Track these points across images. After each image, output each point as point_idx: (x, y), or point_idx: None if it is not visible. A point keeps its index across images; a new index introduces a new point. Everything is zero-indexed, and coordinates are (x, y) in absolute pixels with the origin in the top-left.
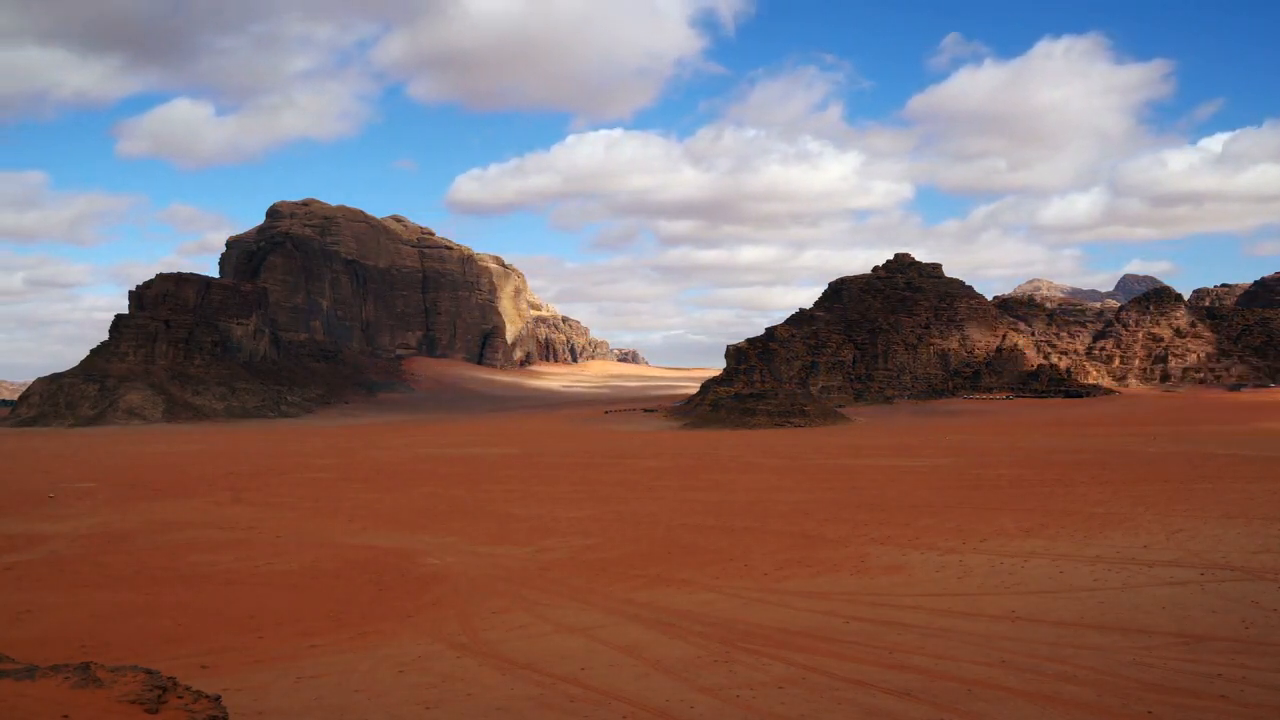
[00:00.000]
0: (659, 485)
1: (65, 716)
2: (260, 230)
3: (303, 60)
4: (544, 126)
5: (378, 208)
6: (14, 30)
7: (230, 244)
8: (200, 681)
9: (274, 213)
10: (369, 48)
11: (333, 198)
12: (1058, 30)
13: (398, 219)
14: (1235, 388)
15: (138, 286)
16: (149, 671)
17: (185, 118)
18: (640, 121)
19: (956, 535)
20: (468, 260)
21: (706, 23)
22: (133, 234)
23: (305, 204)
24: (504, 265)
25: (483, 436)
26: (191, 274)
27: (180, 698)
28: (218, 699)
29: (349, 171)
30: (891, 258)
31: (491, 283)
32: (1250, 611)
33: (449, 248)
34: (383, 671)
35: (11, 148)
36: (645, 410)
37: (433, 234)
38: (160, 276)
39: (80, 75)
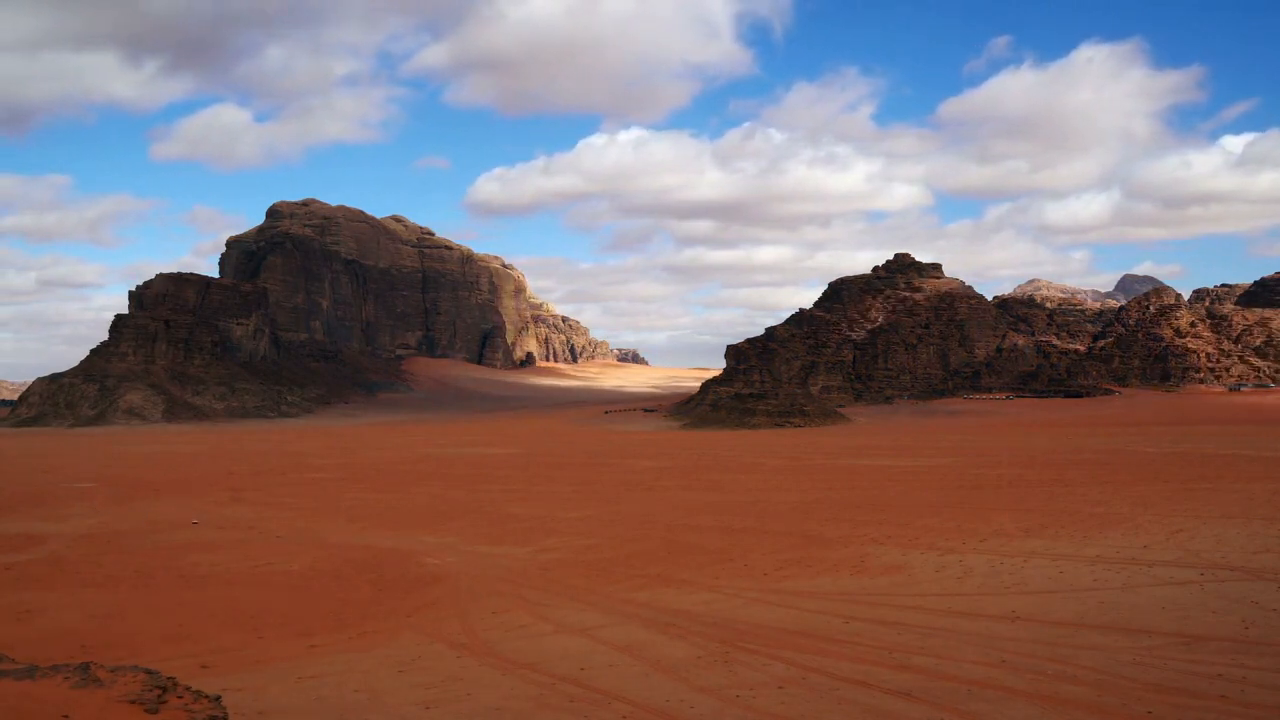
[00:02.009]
0: (659, 485)
1: (65, 716)
2: (260, 230)
3: (343, 65)
4: (578, 128)
5: (410, 212)
6: (56, 35)
7: (230, 244)
8: (200, 681)
9: (274, 213)
10: (409, 53)
11: (364, 201)
12: (1106, 35)
13: (398, 219)
14: (1235, 388)
15: (138, 286)
16: (149, 671)
17: (223, 122)
18: (672, 123)
19: (956, 535)
20: (468, 260)
21: (751, 27)
22: (152, 235)
23: (305, 204)
24: (504, 265)
25: (483, 437)
26: (191, 274)
27: (180, 698)
28: (218, 699)
29: (381, 174)
30: (891, 258)
31: (491, 283)
32: (1250, 611)
33: (449, 248)
34: (383, 671)
35: (43, 150)
36: (645, 410)
37: (433, 234)
38: (160, 276)
39: (120, 80)
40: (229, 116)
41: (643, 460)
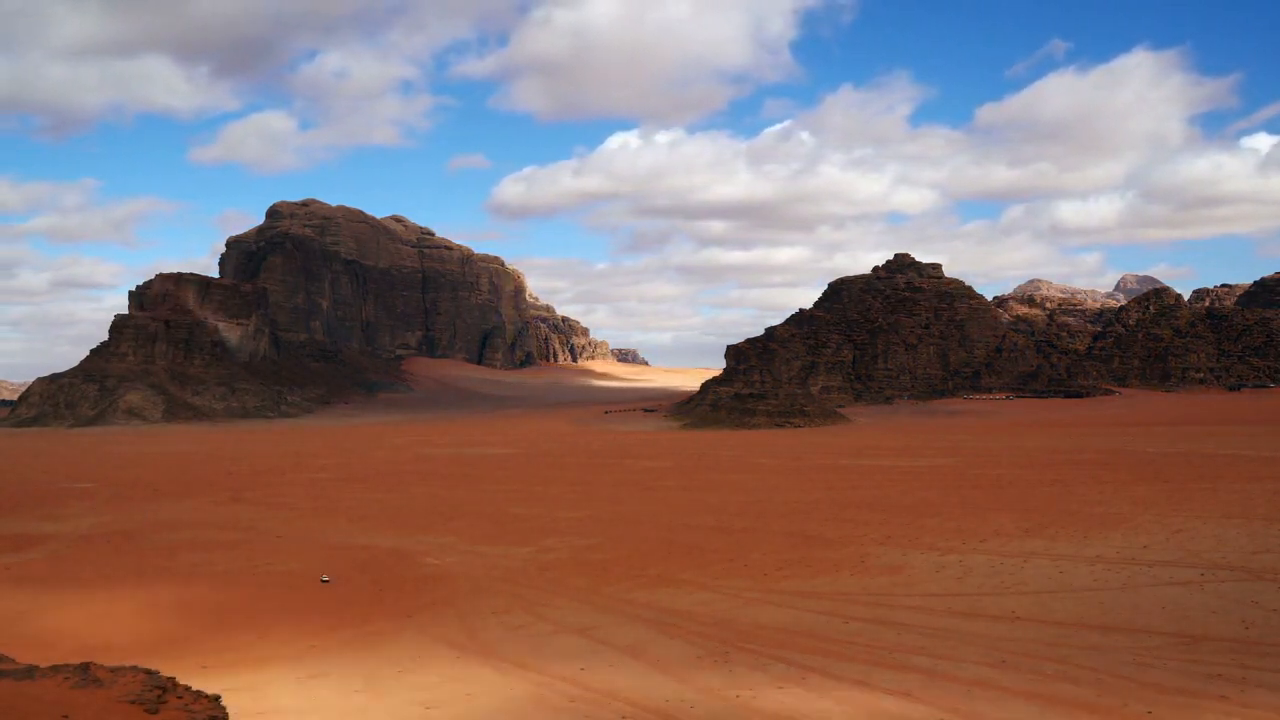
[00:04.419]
0: (659, 485)
1: (65, 716)
2: (260, 230)
3: (392, 71)
4: (620, 131)
5: (445, 215)
6: (106, 41)
7: (230, 244)
8: (200, 681)
9: (274, 213)
10: (459, 59)
11: (398, 204)
12: (1157, 41)
13: (398, 219)
14: (1235, 388)
15: (138, 286)
16: (149, 671)
17: (267, 128)
18: (710, 125)
19: (956, 535)
20: (467, 260)
21: (807, 31)
22: (175, 237)
23: (305, 204)
24: (504, 265)
25: (483, 437)
26: (191, 274)
27: (180, 698)
28: (218, 699)
29: (420, 178)
30: (891, 258)
31: (491, 283)
32: (1250, 611)
33: (449, 248)
34: (383, 671)
35: (79, 155)
36: (645, 410)
37: (433, 234)
38: (160, 276)
39: (172, 87)
40: (274, 123)
41: (643, 460)
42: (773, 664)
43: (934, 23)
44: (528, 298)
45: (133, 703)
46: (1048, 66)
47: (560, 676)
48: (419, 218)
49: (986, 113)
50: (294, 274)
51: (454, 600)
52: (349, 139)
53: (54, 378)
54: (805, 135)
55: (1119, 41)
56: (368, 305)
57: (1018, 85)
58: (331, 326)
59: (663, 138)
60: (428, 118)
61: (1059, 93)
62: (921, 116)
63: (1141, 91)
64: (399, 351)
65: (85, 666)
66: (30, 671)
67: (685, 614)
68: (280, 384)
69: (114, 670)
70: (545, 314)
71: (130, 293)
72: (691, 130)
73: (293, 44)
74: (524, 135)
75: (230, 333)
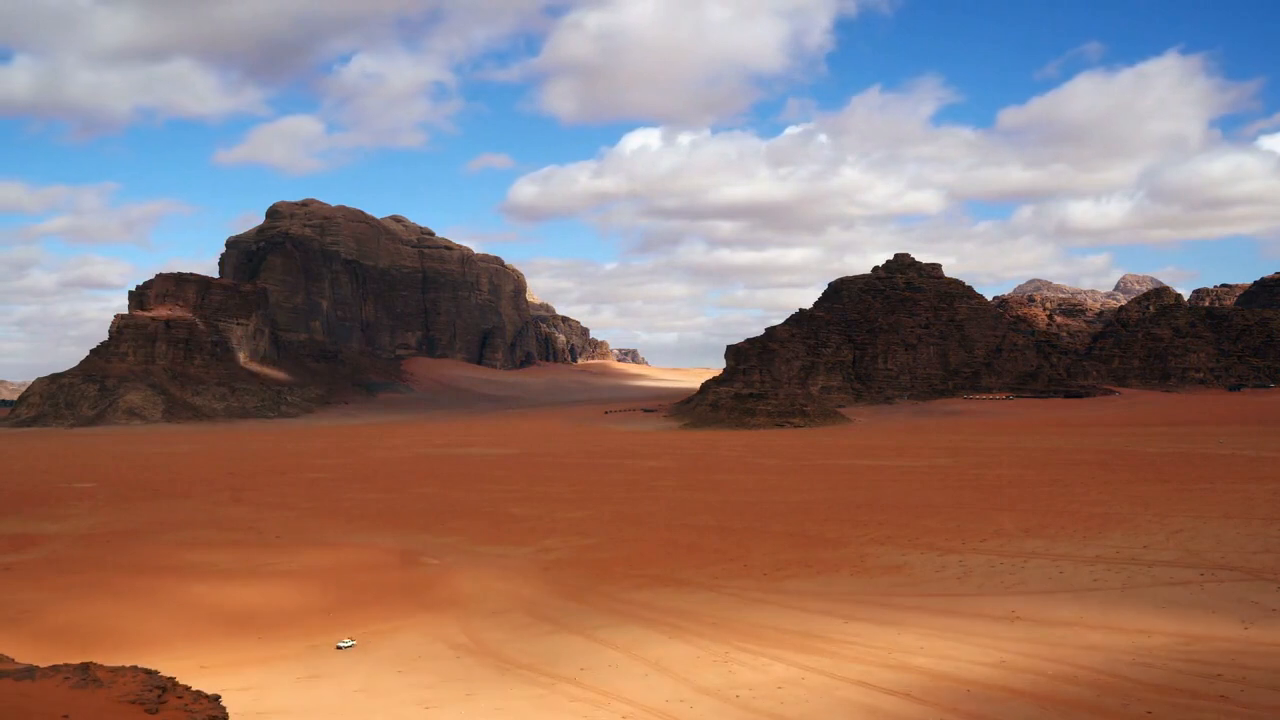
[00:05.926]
0: (659, 485)
1: (65, 716)
2: (260, 230)
3: (422, 74)
4: (633, 132)
5: (458, 219)
6: (139, 46)
7: (230, 244)
8: (200, 681)
9: (274, 213)
10: (488, 63)
11: (414, 207)
12: (1190, 45)
13: (397, 219)
14: (1235, 388)
15: (138, 286)
16: (149, 671)
17: (290, 129)
18: (727, 126)
19: (956, 535)
20: (467, 260)
21: (840, 34)
22: (189, 238)
23: (305, 204)
24: (504, 265)
25: (483, 437)
26: (191, 274)
27: (180, 698)
28: (217, 699)
29: (438, 180)
30: (891, 258)
31: (491, 282)
32: (1250, 611)
33: (449, 248)
34: (383, 671)
35: (103, 158)
36: (645, 410)
37: (433, 234)
38: (160, 276)
39: (193, 89)
40: (302, 127)
41: (643, 460)
42: (773, 664)
43: (971, 27)
44: (528, 297)
45: (133, 703)
46: (1078, 68)
47: (560, 677)
48: (438, 220)
49: (1009, 115)
50: (294, 274)
51: (454, 600)
52: (374, 141)
53: (54, 378)
54: (824, 137)
55: (1152, 45)
56: (368, 305)
57: (1046, 87)
58: (331, 326)
59: (684, 138)
60: (456, 121)
61: (1084, 95)
62: (943, 118)
63: (1166, 94)
64: (399, 351)
65: (85, 666)
66: (30, 671)
67: (685, 614)
68: (280, 384)
69: (114, 670)
70: (545, 314)
71: (130, 293)
72: (715, 131)
73: (327, 47)
74: (550, 138)
75: (230, 333)
